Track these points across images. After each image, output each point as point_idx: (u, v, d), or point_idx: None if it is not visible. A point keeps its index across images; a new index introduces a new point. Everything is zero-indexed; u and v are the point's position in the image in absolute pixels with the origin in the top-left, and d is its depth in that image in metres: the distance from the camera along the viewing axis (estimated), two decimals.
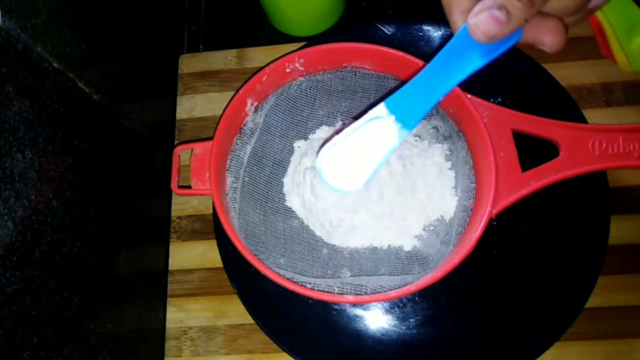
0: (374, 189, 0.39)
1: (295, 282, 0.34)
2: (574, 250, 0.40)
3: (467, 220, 0.37)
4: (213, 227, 0.44)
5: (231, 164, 0.39)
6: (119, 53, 0.41)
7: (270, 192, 0.42)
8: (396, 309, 0.41)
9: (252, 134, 0.41)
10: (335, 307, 0.41)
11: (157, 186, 0.47)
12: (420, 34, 0.46)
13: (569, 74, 0.45)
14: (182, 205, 0.47)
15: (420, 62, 0.37)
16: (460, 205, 0.38)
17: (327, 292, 0.35)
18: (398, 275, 0.38)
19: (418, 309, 0.41)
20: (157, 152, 0.47)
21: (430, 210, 0.40)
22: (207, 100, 0.50)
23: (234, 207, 0.38)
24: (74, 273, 0.32)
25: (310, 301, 0.40)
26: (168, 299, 0.45)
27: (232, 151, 0.40)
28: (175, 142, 0.49)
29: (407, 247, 0.40)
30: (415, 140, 0.42)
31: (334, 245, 0.40)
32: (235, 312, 0.43)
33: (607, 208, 0.41)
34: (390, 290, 0.34)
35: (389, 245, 0.40)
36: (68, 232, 0.32)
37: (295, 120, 0.43)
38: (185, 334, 0.44)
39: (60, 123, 0.32)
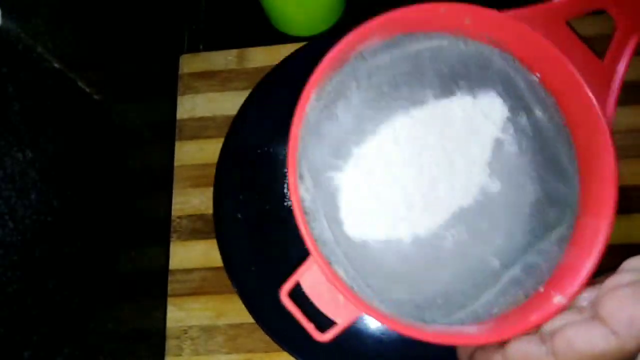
0: (423, 160, 0.28)
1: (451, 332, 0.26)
2: None
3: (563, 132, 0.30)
4: (214, 227, 0.44)
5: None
6: (119, 53, 0.41)
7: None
8: None
9: None
10: None
11: (157, 186, 0.47)
12: None
13: None
14: (182, 204, 0.47)
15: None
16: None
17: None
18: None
19: None
20: (157, 152, 0.47)
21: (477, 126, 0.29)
22: (207, 100, 0.50)
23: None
24: (74, 273, 0.32)
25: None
26: (168, 299, 0.45)
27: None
28: (176, 142, 0.49)
29: (495, 188, 0.29)
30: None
31: (422, 233, 0.29)
32: (236, 311, 0.43)
33: None
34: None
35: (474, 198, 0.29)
36: (68, 231, 0.32)
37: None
38: (186, 333, 0.44)
39: (61, 123, 0.32)
